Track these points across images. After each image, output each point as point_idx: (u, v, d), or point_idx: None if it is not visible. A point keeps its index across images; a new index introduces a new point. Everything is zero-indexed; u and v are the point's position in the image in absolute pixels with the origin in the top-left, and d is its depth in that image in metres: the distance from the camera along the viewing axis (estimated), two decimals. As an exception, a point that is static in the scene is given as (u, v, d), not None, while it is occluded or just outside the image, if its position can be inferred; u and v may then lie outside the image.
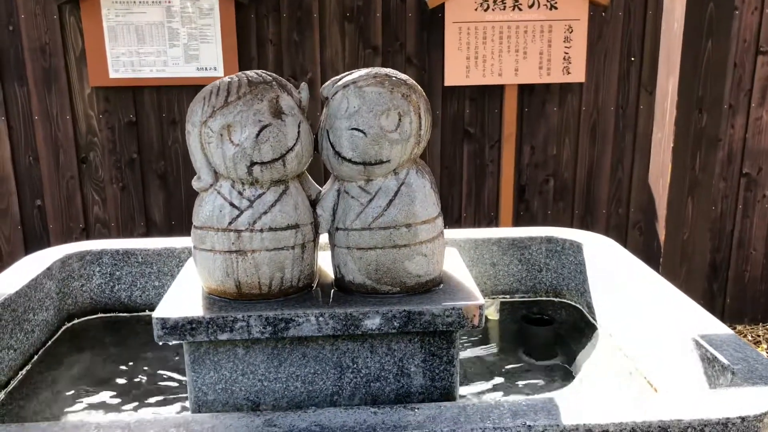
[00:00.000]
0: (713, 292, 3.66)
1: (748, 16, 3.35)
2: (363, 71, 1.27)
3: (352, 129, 1.20)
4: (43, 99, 3.23)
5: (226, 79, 1.25)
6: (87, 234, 3.38)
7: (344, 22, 3.28)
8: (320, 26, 3.28)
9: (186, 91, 3.28)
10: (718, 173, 3.53)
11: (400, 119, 1.22)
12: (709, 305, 3.62)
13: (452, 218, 3.52)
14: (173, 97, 3.29)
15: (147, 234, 3.38)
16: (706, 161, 2.13)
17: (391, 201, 1.22)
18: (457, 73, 3.11)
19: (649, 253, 2.81)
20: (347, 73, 1.31)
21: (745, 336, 3.58)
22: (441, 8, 3.12)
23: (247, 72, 1.28)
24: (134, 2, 3.13)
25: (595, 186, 3.53)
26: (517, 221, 3.52)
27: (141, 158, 3.34)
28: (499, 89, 3.31)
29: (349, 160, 1.21)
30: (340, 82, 1.26)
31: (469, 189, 3.50)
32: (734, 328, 3.60)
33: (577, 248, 1.75)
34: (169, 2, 3.15)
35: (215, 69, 3.24)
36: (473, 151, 3.46)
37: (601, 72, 3.38)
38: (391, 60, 3.33)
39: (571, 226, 3.55)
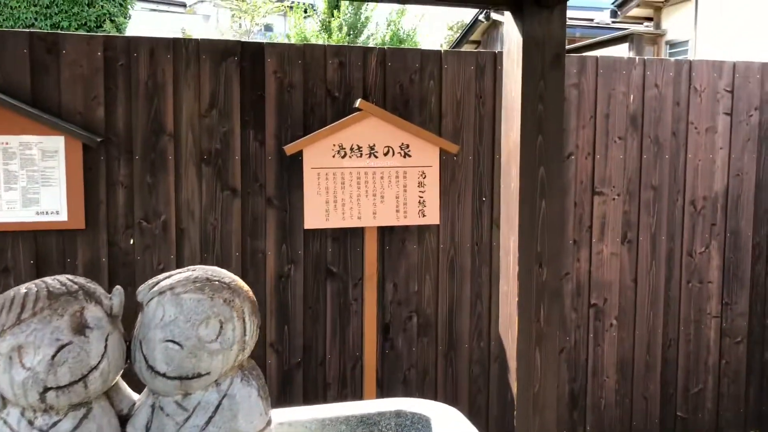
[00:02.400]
0: (574, 420, 3.75)
1: (582, 160, 3.68)
2: (182, 274, 1.19)
3: (167, 341, 1.10)
4: None
5: (23, 289, 1.12)
6: None
7: (201, 164, 3.22)
8: (176, 168, 3.19)
9: (23, 237, 3.03)
10: (568, 305, 3.72)
11: (221, 327, 1.14)
12: (571, 435, 3.69)
13: (317, 360, 3.40)
14: (7, 244, 3.02)
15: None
16: (549, 313, 2.21)
17: (210, 418, 1.12)
18: (316, 216, 3.11)
19: (504, 403, 2.84)
20: (166, 275, 1.22)
21: (607, 464, 3.65)
22: (300, 152, 3.15)
23: (49, 280, 1.15)
24: (-34, 143, 2.90)
25: (457, 321, 3.58)
26: (383, 360, 3.47)
27: (-35, 310, 2.98)
28: (360, 229, 3.35)
29: (164, 375, 1.11)
30: (155, 288, 1.17)
31: (334, 329, 3.43)
32: (597, 457, 3.67)
33: (425, 422, 1.71)
34: (7, 144, 2.96)
35: (57, 213, 3.03)
36: (336, 290, 3.42)
37: (456, 211, 3.53)
38: (250, 201, 3.29)
39: (435, 363, 3.55)
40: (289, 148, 3.07)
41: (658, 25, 8.27)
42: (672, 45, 8.18)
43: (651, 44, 7.95)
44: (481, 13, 13.85)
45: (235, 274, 3.27)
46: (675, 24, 8.05)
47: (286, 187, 3.32)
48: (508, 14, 2.30)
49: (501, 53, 3.56)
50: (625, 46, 8.06)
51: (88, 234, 3.11)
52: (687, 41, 7.89)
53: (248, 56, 3.26)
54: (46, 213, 3.02)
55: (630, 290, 3.81)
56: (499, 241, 3.55)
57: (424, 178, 3.21)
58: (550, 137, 2.21)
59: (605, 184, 3.73)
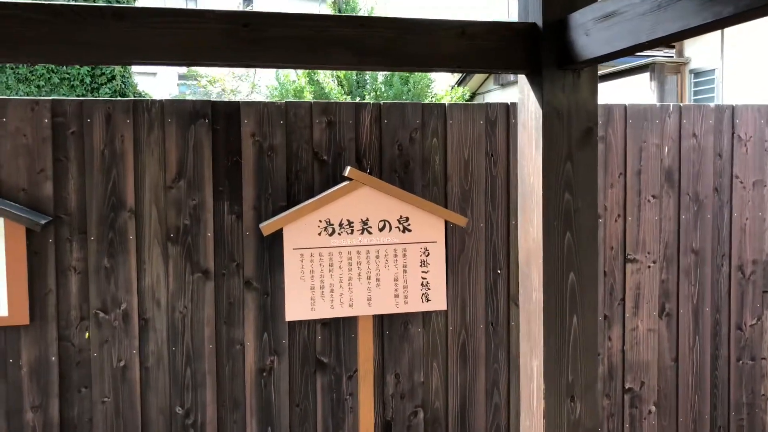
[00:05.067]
0: None
1: (611, 223, 3.19)
2: None
3: None
4: None
5: None
6: None
7: (167, 243, 2.77)
8: (138, 249, 2.75)
9: (-43, 335, 2.58)
10: (599, 390, 3.20)
11: None
12: None
13: (306, 468, 2.91)
14: (-61, 343, 2.58)
15: None
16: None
17: None
18: (299, 305, 2.64)
19: None
20: None
21: None
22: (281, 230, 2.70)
23: None
24: None
25: (471, 415, 3.07)
26: (384, 466, 2.97)
27: None
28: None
29: None
30: None
31: (326, 429, 2.93)
32: None
33: None
34: (-62, 229, 2.52)
35: (-2, 307, 2.58)
36: (328, 384, 2.93)
37: (466, 287, 3.04)
38: (225, 284, 2.82)
39: (446, 466, 3.04)
40: (267, 227, 2.61)
41: (680, 53, 7.77)
42: (697, 74, 7.67)
43: (673, 73, 7.45)
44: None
45: (208, 368, 2.82)
46: (699, 51, 7.55)
47: (267, 267, 2.85)
48: (523, 79, 1.84)
49: (514, 105, 3.10)
50: (646, 75, 7.57)
51: (33, 329, 2.66)
52: (713, 70, 7.37)
53: (221, 117, 2.82)
54: (-15, 307, 2.58)
55: (671, 371, 3.29)
56: (518, 322, 3.06)
57: (427, 255, 2.74)
58: (581, 234, 1.73)
59: (639, 250, 3.23)
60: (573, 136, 1.75)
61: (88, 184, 2.70)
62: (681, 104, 3.28)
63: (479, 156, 3.07)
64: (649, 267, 3.24)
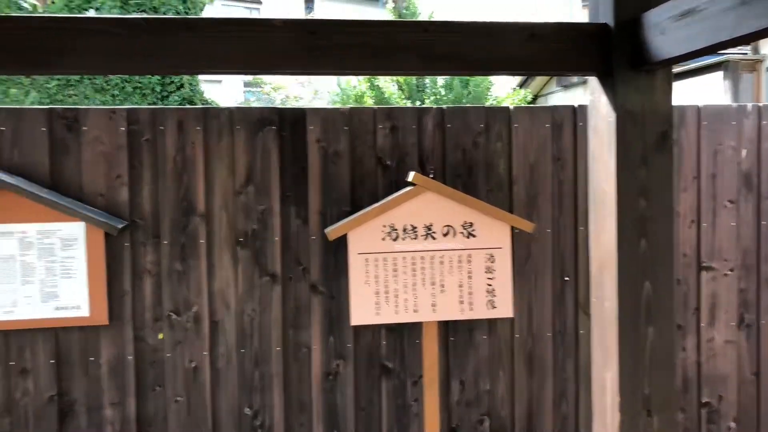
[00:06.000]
0: None
1: (684, 230, 3.07)
2: None
3: None
4: None
5: None
6: None
7: (237, 247, 2.84)
8: (208, 253, 2.82)
9: (42, 334, 2.72)
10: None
11: None
12: None
13: (370, 472, 2.91)
14: (25, 342, 2.72)
15: None
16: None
17: None
18: (365, 310, 2.65)
19: None
20: None
21: None
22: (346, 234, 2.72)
23: None
24: (-19, 234, 2.63)
25: (538, 424, 3.01)
26: (448, 473, 2.94)
27: (-19, 417, 2.69)
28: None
29: None
30: None
31: (390, 435, 2.93)
32: None
33: None
34: (24, 233, 2.67)
35: (79, 308, 2.70)
36: (393, 389, 2.93)
37: (533, 294, 2.98)
38: (292, 288, 2.87)
39: (512, 476, 2.98)
40: (333, 232, 2.63)
41: (756, 50, 7.41)
42: (775, 71, 7.30)
43: (748, 71, 7.11)
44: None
45: (276, 371, 2.87)
46: (777, 47, 7.18)
47: (332, 271, 2.88)
48: (594, 81, 1.79)
49: (581, 107, 3.03)
50: (718, 74, 7.26)
51: (111, 330, 2.77)
52: (793, 67, 7.00)
53: (288, 124, 2.87)
54: (67, 308, 2.70)
55: (751, 385, 3.13)
56: (587, 331, 2.98)
57: (492, 262, 2.70)
58: (657, 241, 1.67)
59: (715, 257, 3.09)
60: (648, 139, 1.69)
61: (161, 189, 2.79)
62: (760, 104, 3.12)
63: (545, 160, 3.01)
64: (725, 275, 3.10)
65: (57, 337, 2.74)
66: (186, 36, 1.58)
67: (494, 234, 2.70)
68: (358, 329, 2.90)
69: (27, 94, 9.68)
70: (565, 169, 3.02)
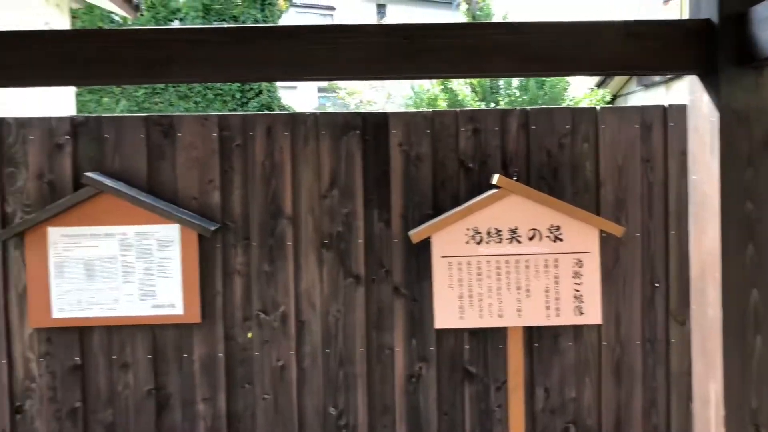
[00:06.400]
0: None
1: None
2: None
3: None
4: (-22, 342, 2.82)
5: None
6: (14, 502, 2.83)
7: (322, 249, 2.90)
8: (295, 255, 2.89)
9: (141, 331, 2.86)
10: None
11: None
12: None
13: (453, 476, 2.90)
14: (126, 338, 2.87)
15: (84, 502, 2.82)
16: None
17: None
18: (448, 314, 2.65)
19: None
20: None
21: None
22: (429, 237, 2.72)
23: None
24: (84, 235, 2.80)
25: (626, 434, 2.92)
26: (533, 481, 2.89)
27: (85, 407, 2.85)
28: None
29: None
30: None
31: (473, 439, 2.92)
32: None
33: None
34: (124, 234, 2.82)
35: (174, 306, 2.83)
36: (476, 393, 2.92)
37: (621, 300, 2.90)
38: (375, 290, 2.90)
39: (599, 487, 2.91)
40: (416, 235, 2.65)
41: None
42: None
43: None
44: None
45: (359, 371, 2.91)
46: None
47: (415, 274, 2.90)
48: (694, 80, 1.73)
49: (671, 107, 2.93)
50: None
51: (204, 328, 2.88)
52: None
53: (371, 128, 2.91)
54: (163, 306, 2.84)
55: None
56: (678, 339, 2.87)
57: (580, 266, 2.64)
58: (766, 246, 1.59)
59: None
60: (754, 139, 1.61)
61: (251, 193, 2.89)
62: None
63: (634, 162, 2.92)
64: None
65: (154, 333, 2.88)
66: (288, 43, 1.63)
67: (582, 238, 2.64)
68: (441, 333, 2.90)
69: (117, 102, 10.22)
70: (655, 170, 2.92)
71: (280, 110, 11.45)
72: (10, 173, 2.81)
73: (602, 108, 2.94)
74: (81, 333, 2.85)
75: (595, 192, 2.91)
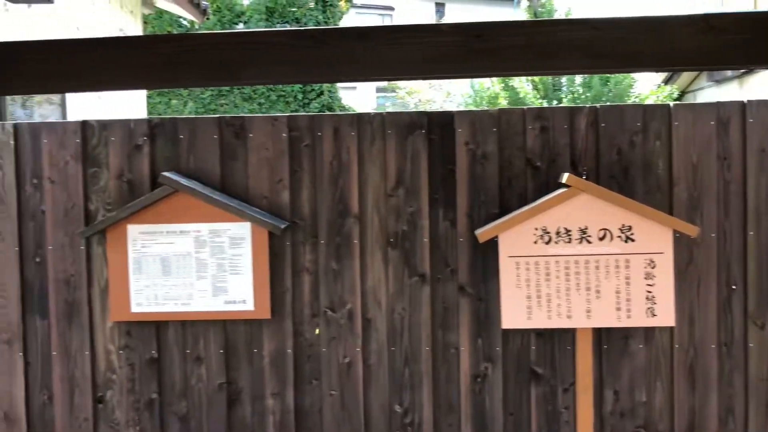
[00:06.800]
0: None
1: None
2: None
3: None
4: (63, 333, 2.98)
5: None
6: (96, 486, 2.98)
7: (387, 248, 2.93)
8: (361, 253, 2.93)
9: (213, 326, 2.96)
10: None
11: None
12: None
13: (519, 477, 2.88)
14: (199, 332, 2.97)
15: (160, 489, 2.94)
16: None
17: None
18: (516, 314, 2.63)
19: None
20: None
21: None
22: (496, 236, 2.71)
23: None
24: (161, 232, 2.91)
25: (700, 441, 2.83)
26: (602, 485, 2.84)
27: (161, 399, 2.97)
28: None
29: None
30: None
31: (539, 441, 2.89)
32: None
33: None
34: (198, 232, 2.92)
35: (245, 302, 2.92)
36: (543, 395, 2.88)
37: (695, 302, 2.81)
38: (441, 289, 2.91)
39: (672, 493, 2.83)
40: (483, 234, 2.64)
41: None
42: None
43: None
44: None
45: (425, 370, 2.92)
46: None
47: (480, 273, 2.89)
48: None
49: (750, 103, 2.82)
50: None
51: (273, 324, 2.95)
52: None
53: (436, 127, 2.92)
54: (234, 302, 2.93)
55: None
56: (758, 344, 2.77)
57: (653, 267, 2.58)
58: None
59: None
60: None
61: (319, 192, 2.94)
62: None
63: (709, 160, 2.83)
64: None
65: (225, 328, 2.97)
66: (359, 44, 1.66)
67: (655, 238, 2.57)
68: (507, 333, 2.88)
69: (185, 104, 10.57)
70: (733, 168, 2.82)
71: (341, 110, 11.59)
72: (93, 173, 2.96)
73: (675, 105, 2.86)
74: (157, 327, 2.97)
75: (668, 191, 2.83)
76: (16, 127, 2.95)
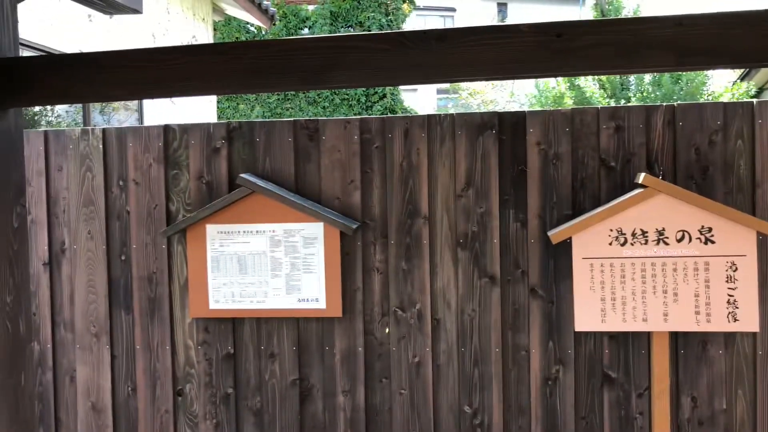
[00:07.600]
0: None
1: None
2: None
3: None
4: (146, 328, 3.13)
5: None
6: (175, 475, 3.10)
7: (457, 248, 2.94)
8: (431, 253, 2.95)
9: (287, 323, 3.04)
10: None
11: None
12: None
13: (592, 483, 2.83)
14: (273, 329, 3.06)
15: (236, 480, 3.04)
16: None
17: None
18: (590, 316, 2.60)
19: None
20: None
21: None
22: (569, 238, 2.68)
23: None
24: (238, 232, 3.02)
25: (785, 452, 2.71)
26: (679, 494, 2.76)
27: (237, 393, 3.08)
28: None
29: None
30: None
31: (613, 446, 2.83)
32: None
33: None
34: (273, 231, 3.01)
35: (317, 300, 2.98)
36: (616, 400, 2.83)
37: (780, 307, 2.70)
38: (511, 290, 2.90)
39: (754, 506, 2.72)
40: (556, 235, 2.62)
41: None
42: None
43: None
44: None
45: (495, 371, 2.91)
46: None
47: (552, 275, 2.86)
48: None
49: None
50: None
51: (344, 322, 3.01)
52: None
53: (507, 127, 2.91)
54: (307, 300, 3.00)
55: None
56: None
57: (734, 270, 2.49)
58: None
59: None
60: None
61: (389, 193, 2.98)
62: None
63: (796, 159, 2.71)
64: None
65: (298, 326, 3.04)
66: (437, 46, 1.68)
67: (737, 240, 2.49)
68: (579, 335, 2.84)
69: (252, 108, 10.84)
70: (822, 168, 2.69)
71: (403, 113, 11.63)
72: (174, 175, 3.09)
73: (759, 102, 2.75)
74: (234, 324, 3.08)
75: (751, 192, 2.73)
76: (104, 132, 3.12)
